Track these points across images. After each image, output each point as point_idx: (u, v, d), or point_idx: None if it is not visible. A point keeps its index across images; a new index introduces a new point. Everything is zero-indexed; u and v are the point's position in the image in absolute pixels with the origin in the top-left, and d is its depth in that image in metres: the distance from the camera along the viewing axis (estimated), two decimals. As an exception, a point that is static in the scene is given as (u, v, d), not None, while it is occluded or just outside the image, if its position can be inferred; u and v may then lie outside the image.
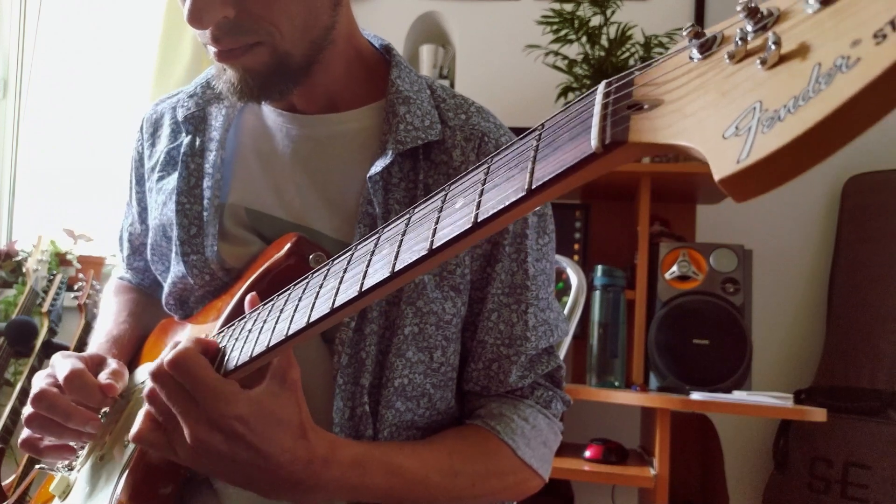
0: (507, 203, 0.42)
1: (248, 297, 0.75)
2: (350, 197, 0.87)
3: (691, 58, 0.35)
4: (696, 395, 1.85)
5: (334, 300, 0.57)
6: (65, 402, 0.80)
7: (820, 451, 2.14)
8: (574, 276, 1.58)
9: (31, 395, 0.81)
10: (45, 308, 2.23)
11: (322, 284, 0.61)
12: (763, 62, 0.30)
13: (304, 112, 0.91)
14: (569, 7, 2.19)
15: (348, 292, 0.56)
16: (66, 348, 2.18)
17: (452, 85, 2.61)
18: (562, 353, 1.27)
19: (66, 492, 0.89)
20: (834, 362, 2.24)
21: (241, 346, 0.68)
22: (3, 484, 1.89)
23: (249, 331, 0.69)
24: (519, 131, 0.54)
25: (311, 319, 0.59)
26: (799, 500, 2.15)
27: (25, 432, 0.83)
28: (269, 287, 0.75)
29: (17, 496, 1.29)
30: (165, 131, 0.99)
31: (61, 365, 0.83)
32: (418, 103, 0.87)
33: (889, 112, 0.25)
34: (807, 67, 0.27)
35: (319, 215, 0.87)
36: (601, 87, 0.40)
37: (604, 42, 2.20)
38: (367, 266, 0.55)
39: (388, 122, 0.86)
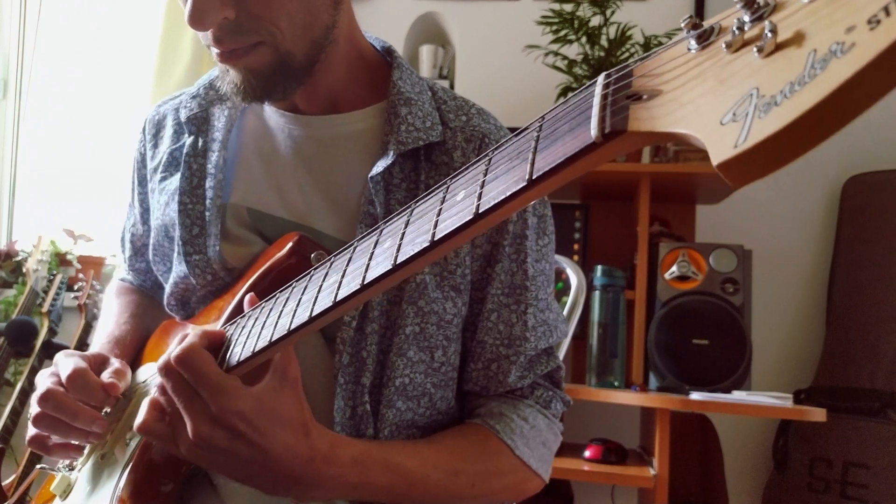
0: (508, 194, 0.43)
1: (247, 297, 0.75)
2: (352, 197, 0.88)
3: (689, 49, 0.36)
4: (695, 395, 1.85)
5: (337, 293, 0.57)
6: (71, 401, 0.80)
7: (819, 451, 2.14)
8: (574, 277, 1.59)
9: (38, 394, 0.81)
10: (45, 308, 2.23)
11: (324, 279, 0.62)
12: (760, 50, 0.30)
13: (307, 113, 0.92)
14: (568, 7, 2.20)
15: (351, 285, 0.56)
16: (67, 348, 2.18)
17: (452, 85, 2.62)
18: (561, 354, 1.27)
19: (66, 491, 0.89)
20: (833, 362, 2.24)
21: (244, 341, 0.68)
22: (3, 484, 1.89)
23: (252, 327, 0.69)
24: (519, 132, 0.54)
25: (314, 313, 0.59)
26: (798, 500, 2.15)
27: (33, 430, 0.83)
28: (270, 286, 0.75)
29: (17, 496, 1.29)
30: (168, 132, 0.99)
31: (64, 364, 0.83)
32: (419, 105, 0.88)
33: (884, 95, 0.25)
34: (803, 54, 0.28)
35: (321, 215, 0.88)
36: (600, 79, 0.40)
37: (603, 42, 2.21)
38: (370, 259, 0.55)
39: (390, 122, 0.86)
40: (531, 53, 2.31)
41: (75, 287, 2.49)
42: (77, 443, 0.84)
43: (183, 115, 0.95)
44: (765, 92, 0.28)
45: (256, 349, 0.66)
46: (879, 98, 0.25)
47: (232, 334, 0.72)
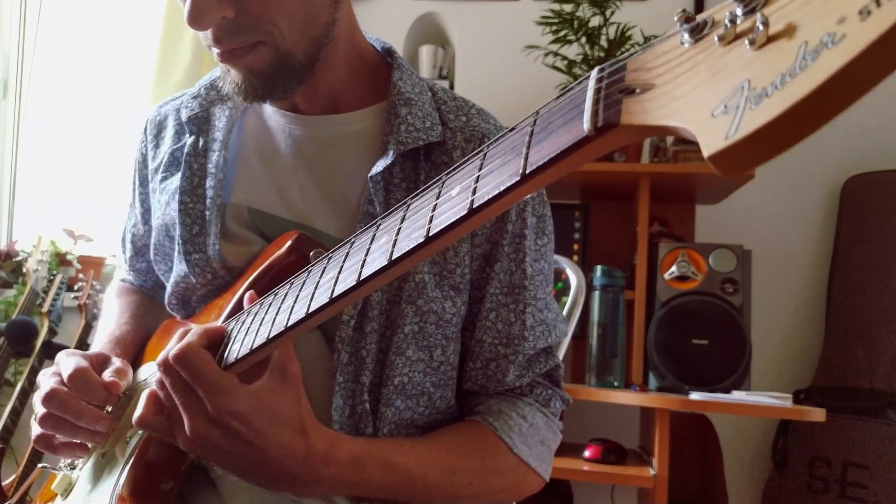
0: (502, 188, 0.43)
1: (247, 295, 0.75)
2: (352, 197, 0.88)
3: (683, 42, 0.36)
4: (695, 395, 1.85)
5: (333, 290, 0.57)
6: (75, 401, 0.81)
7: (819, 451, 2.14)
8: (573, 277, 1.58)
9: (41, 394, 0.81)
10: (45, 308, 2.23)
11: (322, 275, 0.62)
12: (752, 43, 0.30)
13: (307, 113, 0.92)
14: (568, 8, 2.20)
15: (347, 281, 0.56)
16: (67, 348, 2.18)
17: (452, 86, 2.62)
18: (561, 353, 1.27)
19: (68, 490, 0.89)
20: (833, 362, 2.24)
21: (242, 338, 0.68)
22: (3, 484, 1.89)
23: (250, 324, 0.69)
24: (518, 132, 0.54)
25: (311, 310, 0.60)
26: (798, 500, 2.15)
27: (38, 430, 0.83)
28: (270, 285, 0.75)
29: (19, 495, 1.29)
30: (169, 132, 1.00)
31: (66, 363, 0.84)
32: (419, 105, 0.88)
33: (874, 85, 0.25)
34: (794, 45, 0.28)
35: (321, 215, 0.88)
36: (594, 73, 0.40)
37: (603, 42, 2.21)
38: (366, 255, 0.55)
39: (390, 122, 0.86)
40: (531, 54, 2.31)
41: (75, 287, 2.49)
42: (83, 442, 0.85)
43: (184, 116, 0.96)
44: (756, 84, 0.28)
45: (254, 346, 0.66)
46: (870, 88, 0.25)
47: (231, 330, 0.72)
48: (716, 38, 0.33)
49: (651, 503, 1.85)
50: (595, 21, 2.21)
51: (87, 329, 2.26)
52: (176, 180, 0.94)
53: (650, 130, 0.34)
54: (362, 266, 0.55)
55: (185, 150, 0.93)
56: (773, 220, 2.43)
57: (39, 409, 0.82)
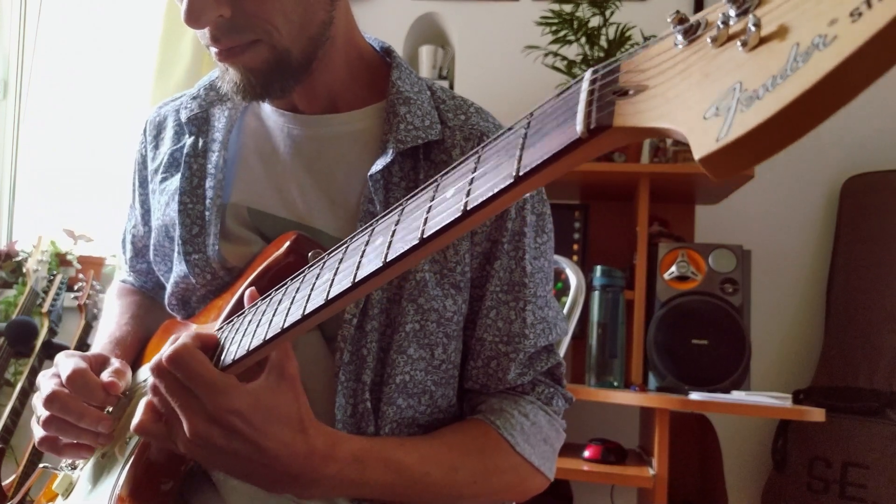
0: (495, 190, 0.43)
1: (247, 293, 0.75)
2: (352, 196, 0.88)
3: (676, 44, 0.36)
4: (694, 396, 1.85)
5: (328, 292, 0.57)
6: (76, 402, 0.81)
7: (819, 451, 2.14)
8: (573, 277, 1.58)
9: (43, 397, 0.81)
10: (45, 308, 2.23)
11: (317, 277, 0.62)
12: (744, 44, 0.30)
13: (306, 112, 0.92)
14: (568, 8, 2.20)
15: (342, 283, 0.56)
16: (66, 349, 2.19)
17: (452, 86, 2.62)
18: (561, 352, 1.27)
19: (69, 490, 0.89)
20: (832, 362, 2.24)
21: (240, 340, 0.68)
22: (3, 484, 1.89)
23: (247, 325, 0.69)
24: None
25: (307, 312, 0.60)
26: (798, 500, 2.15)
27: (41, 433, 0.83)
28: (269, 285, 0.75)
29: (20, 496, 1.30)
30: (169, 133, 1.00)
31: (64, 364, 0.84)
32: (418, 104, 0.88)
33: (866, 87, 0.25)
34: (786, 47, 0.28)
35: (321, 215, 0.88)
36: (588, 75, 0.40)
37: (603, 43, 2.21)
38: (361, 257, 0.55)
39: (389, 121, 0.87)
40: (530, 54, 2.31)
41: (75, 287, 2.49)
42: (87, 443, 0.85)
43: (183, 116, 0.96)
44: (748, 86, 0.28)
45: (251, 347, 0.66)
46: (862, 90, 0.25)
47: (227, 333, 0.72)
48: (709, 40, 0.33)
49: (651, 503, 1.85)
50: (595, 21, 2.21)
51: (87, 329, 2.26)
52: (175, 181, 0.94)
53: (643, 132, 0.34)
54: (357, 268, 0.55)
55: (185, 151, 0.94)
56: (772, 221, 2.43)
57: (41, 411, 0.82)
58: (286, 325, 0.62)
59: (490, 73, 2.59)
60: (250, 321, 0.69)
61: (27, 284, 2.31)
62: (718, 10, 0.33)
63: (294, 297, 0.64)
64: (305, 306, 0.60)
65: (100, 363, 0.87)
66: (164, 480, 0.79)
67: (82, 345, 2.22)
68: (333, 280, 0.58)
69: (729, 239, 2.22)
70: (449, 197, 0.47)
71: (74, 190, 2.83)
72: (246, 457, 0.67)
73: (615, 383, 2.06)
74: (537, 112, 0.44)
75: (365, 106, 0.91)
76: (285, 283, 0.68)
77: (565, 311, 1.54)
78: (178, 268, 0.91)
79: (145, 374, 0.92)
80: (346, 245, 0.61)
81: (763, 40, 0.30)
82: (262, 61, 0.81)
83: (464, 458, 0.82)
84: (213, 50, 0.82)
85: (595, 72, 0.40)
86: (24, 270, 2.41)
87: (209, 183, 0.91)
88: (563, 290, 1.61)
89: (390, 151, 0.84)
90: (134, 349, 1.00)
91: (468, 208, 0.44)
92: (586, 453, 1.97)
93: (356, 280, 0.54)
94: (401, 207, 0.54)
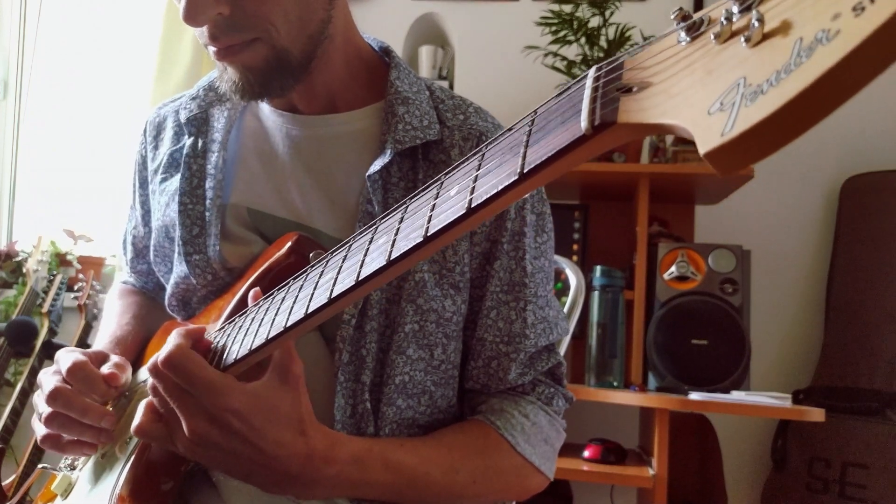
0: (500, 188, 0.43)
1: (251, 292, 0.75)
2: (351, 196, 0.88)
3: (679, 40, 0.36)
4: (694, 396, 1.85)
5: (332, 290, 0.57)
6: (79, 398, 0.80)
7: (818, 451, 2.14)
8: (573, 277, 1.58)
9: (45, 393, 0.81)
10: (45, 308, 2.23)
11: (321, 276, 0.62)
12: (747, 40, 0.30)
13: (305, 112, 0.92)
14: (567, 8, 2.20)
15: (346, 282, 0.56)
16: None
17: (451, 86, 2.62)
18: (561, 352, 1.27)
19: (68, 490, 0.89)
20: (832, 362, 2.24)
21: (242, 339, 0.68)
22: (3, 484, 1.89)
23: (249, 324, 0.69)
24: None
25: (310, 310, 0.59)
26: (797, 500, 2.15)
27: (44, 430, 0.83)
28: (270, 285, 0.75)
29: (19, 496, 1.29)
30: (168, 134, 1.00)
31: (65, 359, 0.83)
32: (417, 104, 0.88)
33: (869, 82, 0.25)
34: (789, 42, 0.28)
35: (321, 215, 0.88)
36: (591, 72, 0.40)
37: (602, 43, 2.21)
38: (365, 256, 0.55)
39: (388, 121, 0.87)
40: (530, 54, 2.31)
41: (75, 287, 2.49)
42: (90, 440, 0.85)
43: (183, 117, 0.96)
44: (752, 81, 0.28)
45: (253, 347, 0.66)
46: (865, 84, 0.25)
47: (229, 332, 0.72)
48: (712, 36, 0.33)
49: (650, 503, 1.85)
50: (594, 21, 2.21)
51: (87, 329, 2.26)
52: (175, 181, 0.94)
53: (647, 129, 0.34)
54: (361, 266, 0.55)
55: (185, 152, 0.94)
56: (772, 221, 2.43)
57: (44, 408, 0.81)
58: (289, 323, 0.62)
59: (490, 74, 2.60)
60: (252, 320, 0.69)
61: (27, 284, 2.31)
62: (721, 7, 0.34)
63: (297, 296, 0.64)
64: (308, 305, 0.60)
65: (100, 359, 0.87)
66: (164, 480, 0.79)
67: (82, 345, 2.22)
68: (337, 278, 0.58)
69: (729, 239, 2.22)
70: (453, 195, 0.47)
71: (74, 190, 2.82)
72: (245, 457, 0.67)
73: (615, 383, 2.06)
74: (541, 109, 0.44)
75: (364, 106, 0.91)
76: (287, 283, 0.68)
77: (565, 311, 1.54)
78: (179, 268, 0.91)
79: (145, 374, 0.92)
80: (348, 244, 0.61)
81: (766, 36, 0.30)
82: (260, 60, 0.81)
83: (464, 458, 0.82)
84: (212, 49, 0.81)
85: (599, 69, 0.40)
86: (24, 270, 2.41)
87: (209, 183, 0.91)
88: (562, 290, 1.61)
89: (389, 151, 0.84)
90: (134, 349, 1.00)
91: (473, 206, 0.44)
92: (586, 453, 1.97)
93: (360, 278, 0.54)
94: (405, 206, 0.54)
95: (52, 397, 0.80)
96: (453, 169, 0.51)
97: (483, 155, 0.48)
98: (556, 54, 2.24)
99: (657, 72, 0.35)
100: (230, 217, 0.91)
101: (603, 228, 2.39)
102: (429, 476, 0.79)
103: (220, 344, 0.72)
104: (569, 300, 1.55)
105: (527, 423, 0.87)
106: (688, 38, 0.35)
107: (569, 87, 0.42)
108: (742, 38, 0.31)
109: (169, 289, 0.95)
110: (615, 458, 1.95)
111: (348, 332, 0.82)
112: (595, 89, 0.38)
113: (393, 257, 0.51)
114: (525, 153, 0.42)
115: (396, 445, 0.79)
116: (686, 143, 2.08)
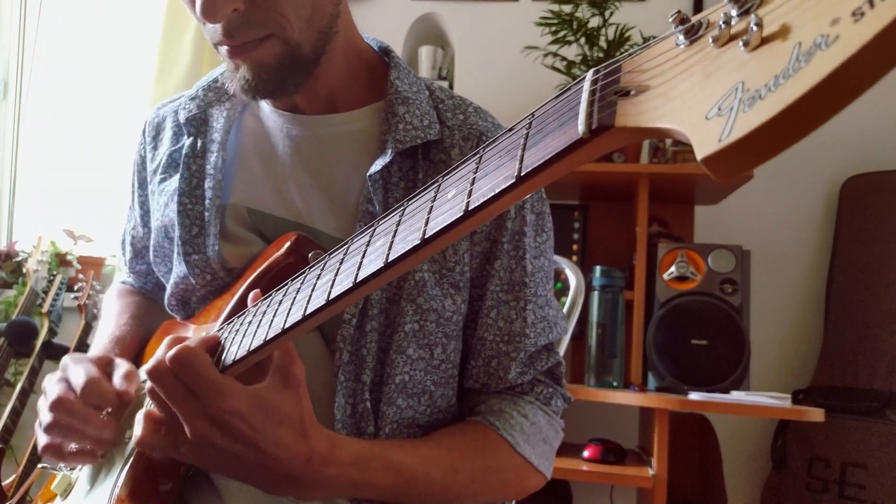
0: (497, 191, 0.42)
1: (251, 293, 0.75)
2: (351, 196, 0.88)
3: (678, 44, 0.36)
4: (694, 396, 1.85)
5: (330, 292, 0.57)
6: (82, 407, 0.80)
7: (818, 451, 2.14)
8: (572, 277, 1.58)
9: (49, 401, 0.81)
10: (45, 308, 2.23)
11: (318, 278, 0.62)
12: (746, 44, 0.30)
13: (305, 112, 0.92)
14: (567, 8, 2.20)
15: (343, 284, 0.56)
16: (66, 349, 2.19)
17: (451, 86, 2.62)
18: (561, 351, 1.27)
19: (67, 490, 0.89)
20: (832, 362, 2.24)
21: (240, 340, 0.68)
22: (3, 484, 1.89)
23: (248, 326, 0.69)
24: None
25: (308, 312, 0.59)
26: (797, 500, 2.15)
27: (45, 438, 0.82)
28: (269, 286, 0.75)
29: (19, 496, 1.29)
30: (167, 134, 1.00)
31: (75, 371, 0.82)
32: (417, 104, 0.88)
33: (868, 87, 0.25)
34: (788, 47, 0.28)
35: (321, 215, 0.88)
36: (589, 75, 0.40)
37: (602, 43, 2.21)
38: (363, 258, 0.55)
39: (388, 121, 0.87)
40: (530, 54, 2.31)
41: (75, 287, 2.49)
42: (91, 449, 0.84)
43: (182, 117, 0.96)
44: (750, 86, 0.28)
45: (252, 348, 0.66)
46: (864, 90, 0.25)
47: (227, 334, 0.72)
48: (710, 40, 0.33)
49: (650, 503, 1.85)
50: (594, 22, 2.21)
51: (87, 329, 2.26)
52: (174, 182, 0.94)
53: (645, 132, 0.34)
54: (359, 268, 0.55)
55: (184, 152, 0.94)
56: (772, 221, 2.43)
57: (46, 416, 0.81)
58: (287, 325, 0.62)
59: (490, 74, 2.59)
60: (251, 322, 0.69)
61: (27, 285, 2.31)
62: (720, 10, 0.33)
63: (295, 297, 0.64)
64: (306, 307, 0.60)
65: (105, 365, 0.86)
66: (163, 481, 0.79)
67: (82, 345, 2.22)
68: (335, 280, 0.58)
69: (728, 239, 2.22)
70: (450, 197, 0.47)
71: (74, 190, 2.82)
72: (246, 459, 0.67)
73: (614, 383, 2.06)
74: (539, 112, 0.44)
75: (364, 106, 0.91)
76: (286, 284, 0.68)
77: (564, 311, 1.54)
78: (178, 268, 0.91)
79: (145, 374, 0.92)
80: (346, 245, 0.61)
81: (765, 40, 0.30)
82: (274, 56, 0.81)
83: (464, 458, 0.82)
84: (224, 48, 0.81)
85: (596, 72, 0.40)
86: (24, 271, 2.41)
87: (208, 183, 0.91)
88: (562, 290, 1.60)
89: (389, 151, 0.84)
90: (133, 349, 1.00)
91: (470, 209, 0.44)
92: (586, 453, 1.97)
93: (357, 280, 0.54)
94: (402, 208, 0.54)
95: (56, 406, 0.80)
96: (451, 171, 0.51)
97: (480, 157, 0.48)
98: (555, 54, 2.24)
99: (655, 75, 0.35)
100: (230, 217, 0.91)
101: (603, 228, 2.39)
102: (429, 476, 0.79)
103: (220, 343, 0.72)
104: (568, 300, 1.55)
105: (526, 423, 0.88)
106: (686, 42, 0.35)
107: (567, 90, 0.42)
108: (741, 42, 0.31)
109: (168, 289, 0.95)
110: (615, 458, 1.95)
111: (349, 332, 0.82)
112: (593, 92, 0.38)
113: (390, 259, 0.51)
114: (522, 156, 0.42)
115: (396, 446, 0.79)
116: (686, 143, 2.07)
